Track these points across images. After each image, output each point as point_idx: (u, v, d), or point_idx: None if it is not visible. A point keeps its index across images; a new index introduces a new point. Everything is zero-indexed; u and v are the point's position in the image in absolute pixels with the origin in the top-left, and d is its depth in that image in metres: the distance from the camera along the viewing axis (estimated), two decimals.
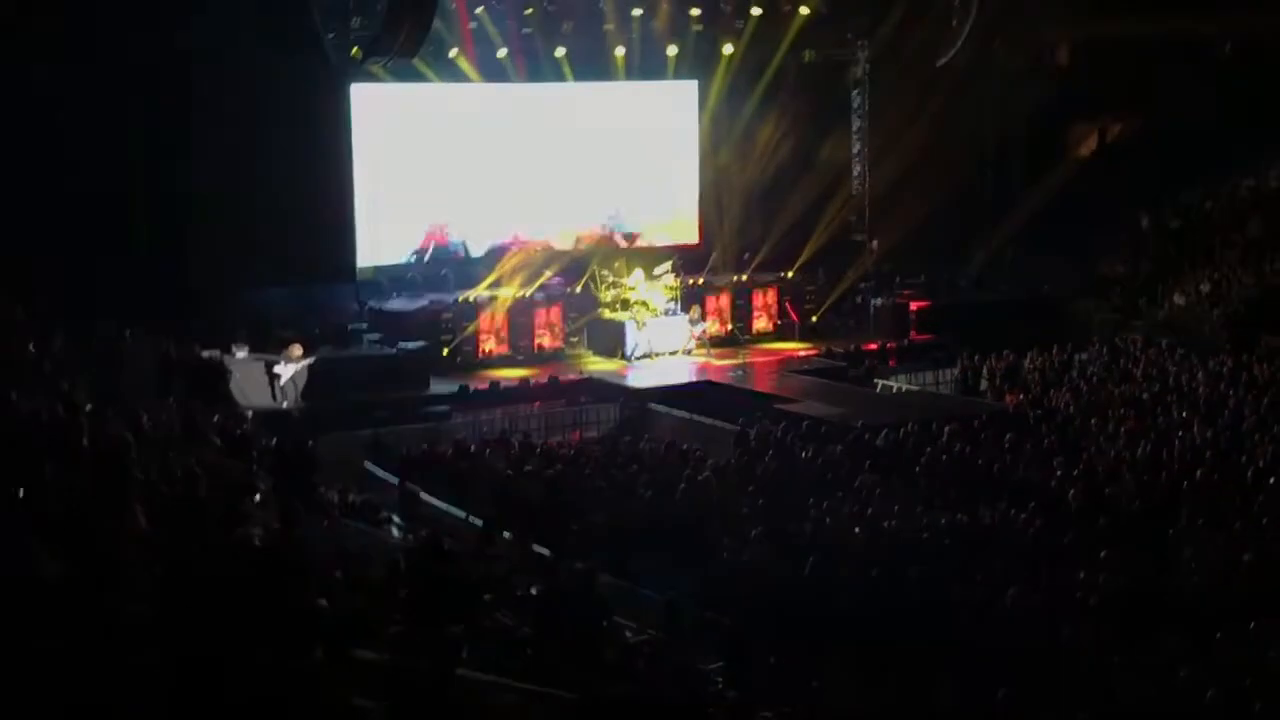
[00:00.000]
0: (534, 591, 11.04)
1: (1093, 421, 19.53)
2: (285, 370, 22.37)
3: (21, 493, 8.78)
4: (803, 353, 27.47)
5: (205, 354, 22.50)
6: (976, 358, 24.73)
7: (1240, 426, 18.77)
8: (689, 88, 30.06)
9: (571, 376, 25.19)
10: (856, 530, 14.04)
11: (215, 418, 17.34)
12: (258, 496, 12.57)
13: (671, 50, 29.32)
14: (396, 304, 26.72)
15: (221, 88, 23.69)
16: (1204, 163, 29.91)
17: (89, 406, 12.78)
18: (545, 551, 13.67)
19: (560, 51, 28.30)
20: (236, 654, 6.43)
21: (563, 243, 28.96)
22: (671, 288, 27.42)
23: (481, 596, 10.44)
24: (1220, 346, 24.77)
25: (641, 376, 25.34)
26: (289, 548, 9.34)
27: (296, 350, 22.53)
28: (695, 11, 28.90)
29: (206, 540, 9.28)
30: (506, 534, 13.87)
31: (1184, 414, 19.76)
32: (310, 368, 22.58)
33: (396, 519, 15.71)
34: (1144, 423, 19.38)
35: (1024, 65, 31.21)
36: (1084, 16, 30.59)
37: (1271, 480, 15.64)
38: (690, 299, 27.60)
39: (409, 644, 7.94)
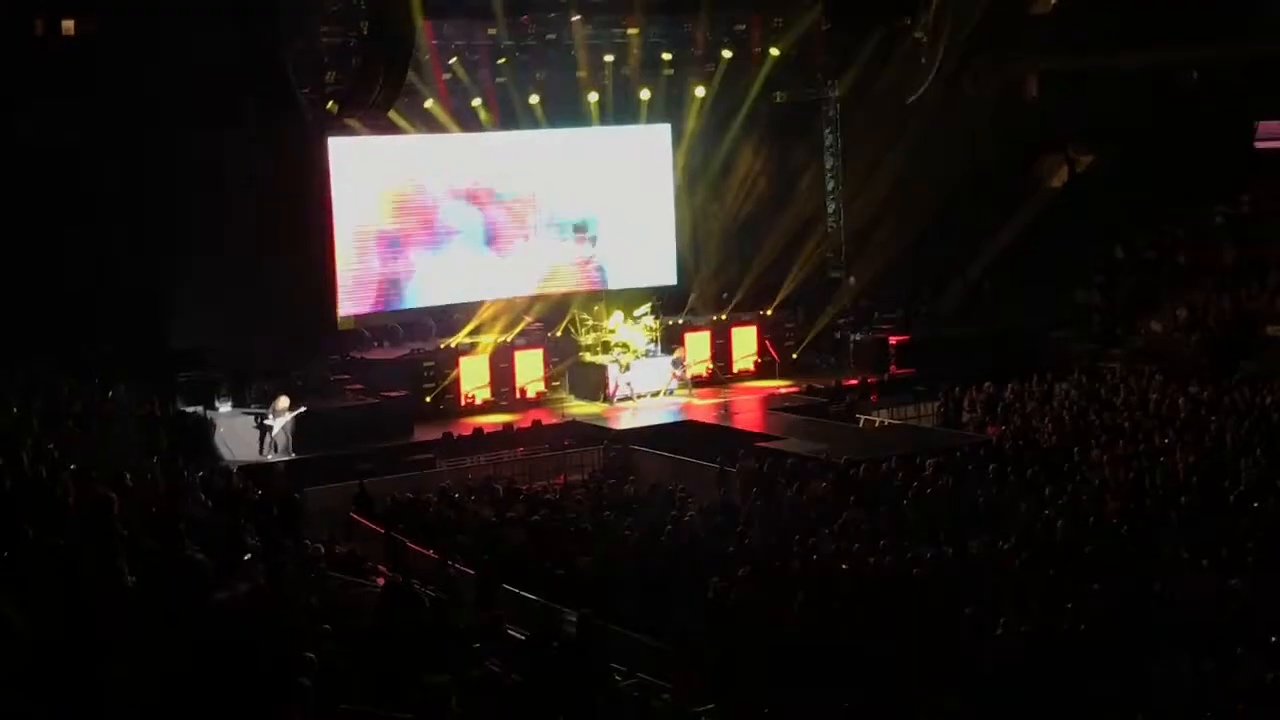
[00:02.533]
0: (522, 637, 11.03)
1: (1075, 450, 19.58)
2: (276, 422, 22.42)
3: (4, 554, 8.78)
4: (784, 390, 27.56)
5: (189, 409, 22.50)
6: (957, 390, 24.80)
7: (1222, 451, 18.86)
8: (662, 131, 30.23)
9: (554, 420, 25.25)
10: (844, 566, 14.06)
11: (200, 473, 17.34)
12: (247, 555, 12.54)
13: (644, 94, 29.50)
14: (378, 353, 26.76)
15: (201, 145, 23.79)
16: (1176, 191, 30.14)
17: (72, 466, 12.78)
18: (533, 597, 13.66)
19: (534, 99, 28.47)
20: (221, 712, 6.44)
21: (542, 288, 29.04)
22: (651, 329, 27.53)
23: (470, 645, 10.44)
24: (1199, 372, 24.87)
25: (624, 418, 25.40)
26: (276, 603, 9.34)
27: (284, 402, 22.58)
28: (667, 55, 29.12)
29: (194, 598, 9.28)
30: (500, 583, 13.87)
31: (1166, 440, 19.84)
32: (299, 419, 22.63)
33: (384, 569, 15.68)
34: (1126, 450, 19.45)
35: (994, 99, 31.44)
36: (1051, 50, 30.90)
37: (1255, 504, 15.71)
38: (670, 340, 27.69)
39: (396, 695, 7.95)
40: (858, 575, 13.63)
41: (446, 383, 25.89)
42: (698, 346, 28.25)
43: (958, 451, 19.87)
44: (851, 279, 30.81)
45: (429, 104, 27.14)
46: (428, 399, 25.56)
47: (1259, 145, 30.52)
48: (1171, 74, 30.94)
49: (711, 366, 28.27)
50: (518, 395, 26.60)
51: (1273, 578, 12.94)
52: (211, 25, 23.40)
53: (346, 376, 25.46)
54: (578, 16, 27.67)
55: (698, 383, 27.56)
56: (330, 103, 25.00)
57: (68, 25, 25.11)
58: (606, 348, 27.18)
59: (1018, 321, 29.67)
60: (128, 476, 13.61)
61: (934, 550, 14.49)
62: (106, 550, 9.66)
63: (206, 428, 22.41)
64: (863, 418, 24.66)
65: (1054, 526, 15.21)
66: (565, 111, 29.08)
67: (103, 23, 25.01)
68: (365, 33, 24.04)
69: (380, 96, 24.45)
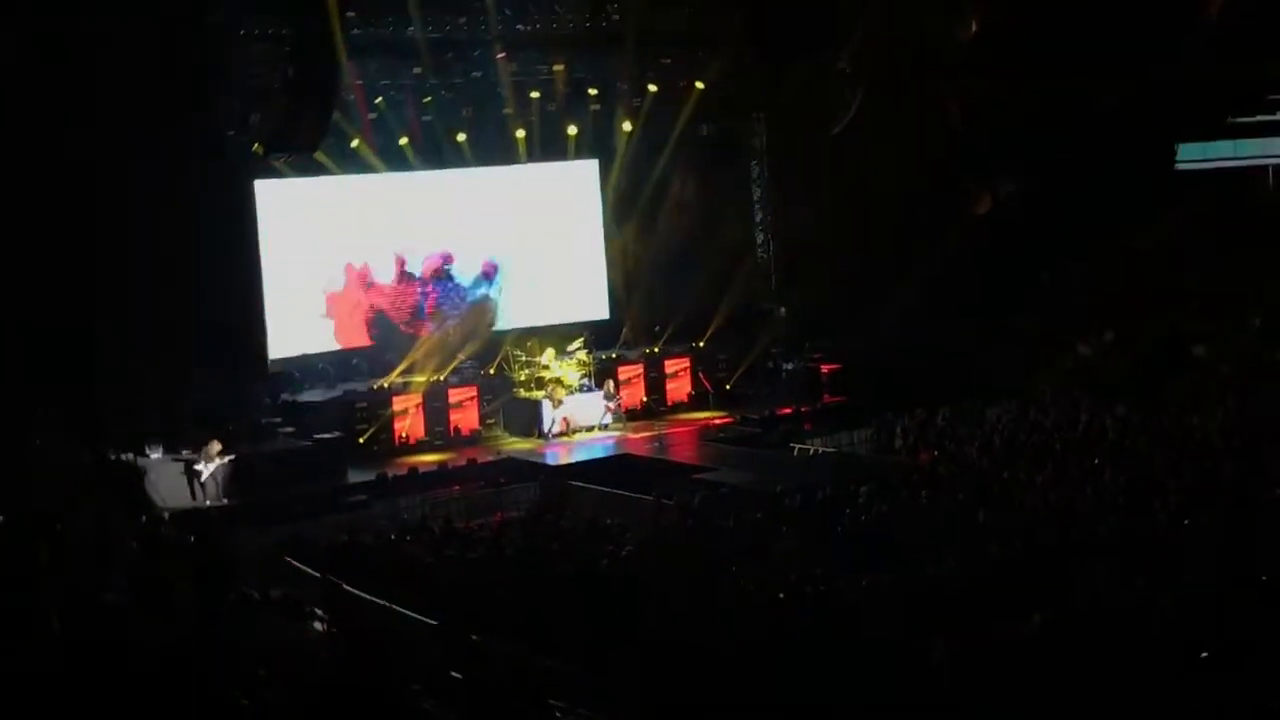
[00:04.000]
0: (461, 678, 10.99)
1: (1006, 474, 19.74)
2: (206, 468, 22.24)
3: None
4: (718, 421, 27.64)
5: (120, 456, 22.27)
6: (889, 417, 24.96)
7: (1151, 471, 19.06)
8: (590, 166, 30.33)
9: (489, 458, 25.19)
10: (781, 596, 14.09)
11: (132, 521, 17.17)
12: (178, 599, 12.43)
13: (571, 130, 29.59)
14: (310, 396, 26.62)
15: (125, 190, 23.53)
16: (1101, 214, 30.47)
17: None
18: (471, 636, 13.60)
19: (461, 136, 28.49)
20: None
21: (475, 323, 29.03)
22: (584, 363, 27.56)
23: (409, 686, 10.39)
24: (1128, 393, 25.12)
25: (559, 454, 25.39)
26: (211, 648, 9.28)
27: (215, 447, 22.41)
28: (593, 91, 29.23)
29: (125, 643, 9.19)
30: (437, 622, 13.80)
31: (1096, 461, 20.04)
32: (231, 464, 22.45)
33: (320, 612, 15.57)
34: (1056, 472, 19.61)
35: (918, 128, 31.71)
36: (973, 77, 31.19)
37: (1186, 522, 15.90)
38: (603, 374, 27.73)
39: None
40: (794, 604, 13.67)
41: (380, 423, 25.78)
42: (631, 380, 28.29)
43: (891, 478, 19.99)
44: (782, 309, 30.97)
45: (355, 144, 27.10)
46: (361, 440, 25.44)
47: (1180, 167, 30.99)
48: (1090, 99, 31.27)
49: (645, 399, 28.31)
50: (452, 434, 26.53)
51: (1202, 595, 13.08)
52: (135, 63, 23.13)
53: (278, 420, 25.30)
54: (503, 54, 27.74)
55: (631, 416, 27.60)
56: (256, 145, 24.91)
57: None
58: (540, 384, 27.18)
59: (948, 348, 29.86)
60: (58, 525, 13.49)
61: (869, 577, 14.56)
62: (35, 598, 9.58)
63: (137, 475, 22.18)
64: (796, 446, 24.78)
65: (987, 550, 15.32)
66: (493, 148, 29.13)
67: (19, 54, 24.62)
68: (290, 74, 23.98)
69: (306, 137, 24.39)
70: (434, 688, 10.77)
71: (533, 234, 29.53)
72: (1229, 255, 29.00)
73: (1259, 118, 30.73)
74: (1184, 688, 11.08)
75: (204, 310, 24.05)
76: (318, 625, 14.97)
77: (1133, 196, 30.51)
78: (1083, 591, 13.73)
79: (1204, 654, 11.47)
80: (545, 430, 26.50)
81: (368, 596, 16.02)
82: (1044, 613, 12.78)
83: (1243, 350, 27.10)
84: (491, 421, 27.36)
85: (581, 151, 30.13)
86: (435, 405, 26.53)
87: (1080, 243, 31.30)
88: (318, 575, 17.22)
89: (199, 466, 22.28)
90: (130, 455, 22.57)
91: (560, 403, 26.69)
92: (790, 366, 29.80)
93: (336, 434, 24.75)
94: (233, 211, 25.45)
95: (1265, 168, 30.81)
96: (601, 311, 30.50)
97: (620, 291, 30.78)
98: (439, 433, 26.46)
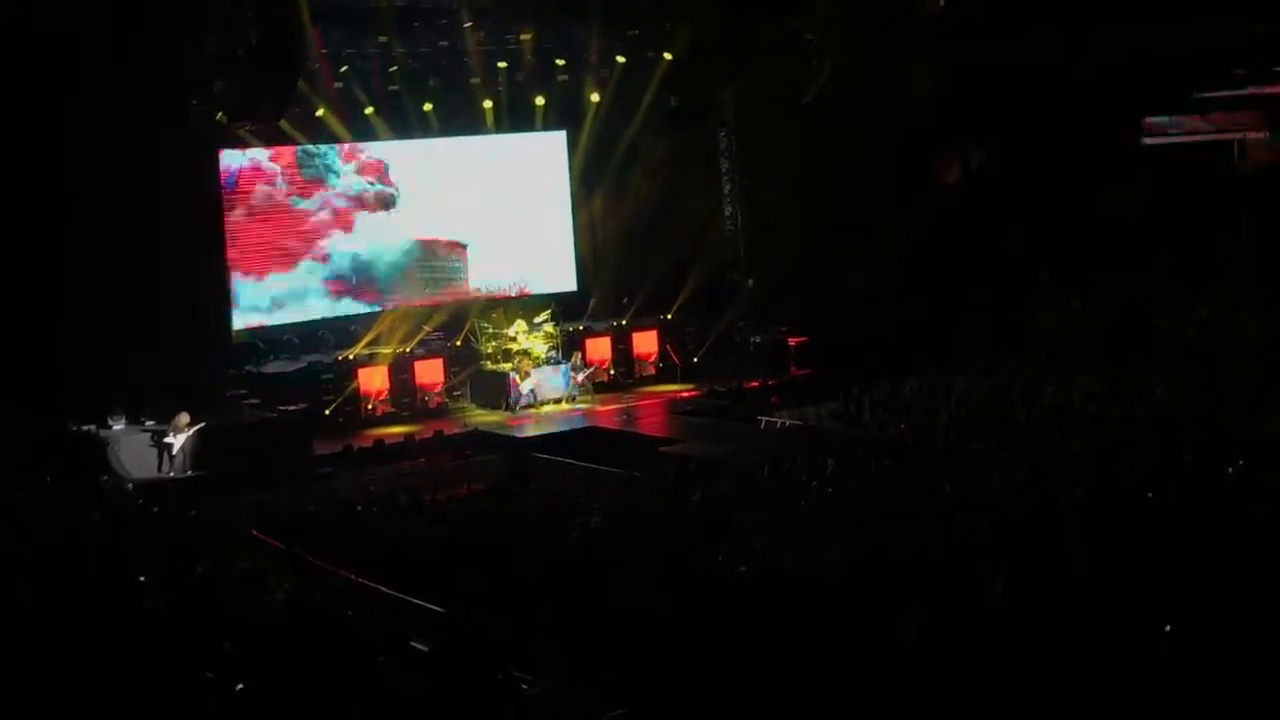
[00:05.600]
0: (427, 650, 10.95)
1: (973, 445, 19.77)
2: (176, 440, 22.12)
3: None
4: (685, 394, 27.64)
5: (82, 428, 22.12)
6: (856, 389, 24.97)
7: (1116, 440, 19.13)
8: (558, 137, 30.22)
9: (456, 430, 25.12)
10: (743, 569, 14.09)
11: (95, 493, 17.06)
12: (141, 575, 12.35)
13: (539, 100, 29.45)
14: (274, 367, 26.47)
15: (88, 160, 23.20)
16: (1067, 184, 30.50)
17: None
18: (438, 608, 13.57)
19: (428, 106, 28.32)
20: None
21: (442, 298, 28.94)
22: (552, 335, 27.50)
23: (375, 658, 10.34)
24: (1095, 361, 25.21)
25: (527, 427, 25.34)
26: (175, 622, 9.21)
27: (184, 419, 22.30)
28: (560, 61, 29.08)
29: (91, 617, 9.13)
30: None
31: (1060, 432, 20.10)
32: (199, 434, 22.33)
33: (286, 585, 15.51)
34: (1023, 442, 19.67)
35: (888, 97, 31.66)
36: (943, 45, 31.12)
37: (1150, 494, 15.96)
38: (571, 346, 27.68)
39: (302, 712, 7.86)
40: (762, 577, 13.67)
41: (346, 395, 25.67)
42: (599, 352, 28.26)
43: (857, 451, 20.01)
44: (750, 281, 30.95)
45: (320, 113, 26.90)
46: (327, 412, 25.34)
47: (1146, 141, 31.03)
48: (1058, 66, 31.25)
49: (613, 371, 28.28)
50: (419, 406, 26.45)
51: (1172, 565, 13.13)
52: (95, 33, 22.85)
53: (243, 391, 25.15)
54: (469, 23, 27.55)
55: (599, 388, 27.57)
56: (219, 113, 24.70)
57: None
58: (507, 356, 27.11)
59: (914, 318, 29.90)
60: (20, 496, 13.39)
61: (835, 550, 14.57)
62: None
63: (100, 446, 22.03)
64: (764, 419, 24.78)
65: (954, 522, 15.35)
66: (460, 119, 28.97)
67: None
68: (254, 42, 23.76)
69: (271, 106, 24.19)
70: (400, 660, 10.74)
71: (500, 205, 29.38)
72: (1194, 227, 29.07)
73: (1225, 93, 30.77)
74: (1147, 657, 11.13)
75: (167, 281, 23.78)
76: (282, 597, 14.93)
77: (1100, 167, 30.57)
78: (1053, 563, 13.79)
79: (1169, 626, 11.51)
80: (513, 402, 26.44)
81: (333, 568, 15.97)
82: (1007, 580, 12.82)
83: (1206, 319, 27.22)
84: (458, 393, 27.30)
85: (549, 122, 30.02)
86: (401, 377, 26.43)
87: (1046, 212, 31.38)
88: (283, 547, 17.16)
89: (169, 439, 22.16)
90: (93, 427, 22.40)
91: (527, 375, 26.64)
92: (758, 339, 29.80)
93: (302, 405, 24.62)
94: (196, 180, 25.16)
95: (1231, 141, 30.86)
96: (569, 283, 30.42)
97: (588, 263, 30.71)
98: (405, 405, 26.38)
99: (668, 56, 29.48)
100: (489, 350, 27.46)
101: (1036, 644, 11.60)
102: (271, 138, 26.34)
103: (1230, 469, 17.01)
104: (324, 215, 27.88)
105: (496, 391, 26.82)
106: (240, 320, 26.64)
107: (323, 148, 27.70)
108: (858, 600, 12.84)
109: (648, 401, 27.17)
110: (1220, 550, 13.30)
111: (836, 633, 11.97)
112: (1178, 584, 12.46)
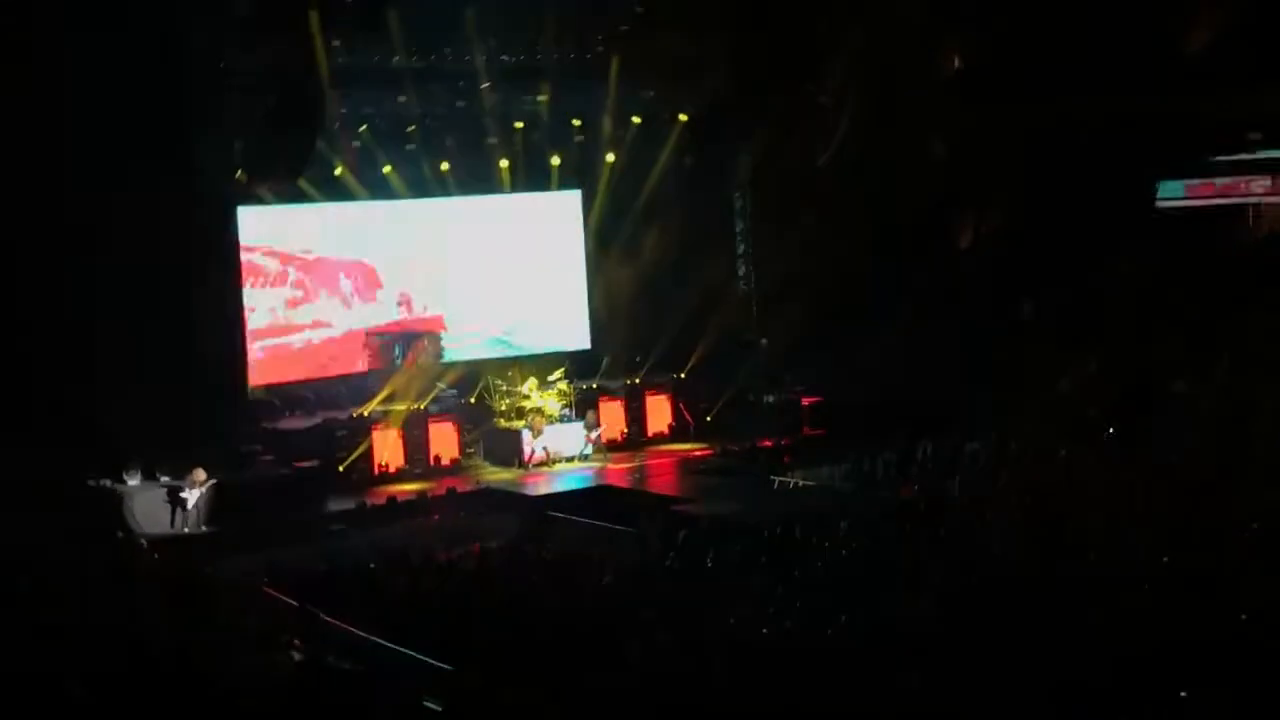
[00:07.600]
0: (438, 709, 10.95)
1: (985, 510, 19.70)
2: (191, 495, 22.19)
3: None
4: (698, 453, 27.63)
5: (98, 483, 22.18)
6: (869, 450, 24.93)
7: (1131, 508, 19.04)
8: (573, 197, 30.38)
9: (469, 488, 25.13)
10: (763, 631, 14.04)
11: (110, 548, 17.10)
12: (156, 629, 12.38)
13: (555, 160, 29.65)
14: (290, 423, 26.54)
15: (106, 217, 23.34)
16: (1081, 249, 30.53)
17: None
18: (449, 667, 13.55)
19: (444, 165, 28.52)
20: None
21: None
22: (565, 394, 27.55)
23: (386, 717, 10.36)
24: (1106, 429, 25.13)
25: (539, 484, 25.35)
26: (189, 677, 9.23)
27: (200, 474, 22.40)
28: (576, 122, 29.30)
29: (106, 671, 9.16)
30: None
31: (1074, 497, 20.01)
32: (213, 490, 22.38)
33: (297, 642, 15.50)
34: (1035, 508, 19.59)
35: (903, 160, 31.78)
36: (956, 111, 31.26)
37: (1165, 559, 15.88)
38: (584, 405, 27.72)
39: None
40: (774, 639, 13.64)
41: (359, 451, 25.72)
42: (612, 411, 28.28)
43: (871, 512, 19.96)
44: (764, 341, 31.00)
45: (338, 172, 27.12)
46: (341, 468, 25.37)
47: (1160, 205, 31.11)
48: (1069, 130, 31.37)
49: (625, 430, 28.31)
50: (432, 463, 26.48)
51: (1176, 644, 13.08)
52: (113, 86, 22.97)
53: (258, 447, 25.20)
54: (487, 84, 27.79)
55: (612, 447, 27.59)
56: (239, 171, 24.90)
57: None
58: (520, 413, 27.16)
59: (928, 382, 29.88)
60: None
61: (849, 612, 14.52)
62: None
63: (115, 501, 22.07)
64: (776, 479, 24.77)
65: (967, 587, 15.29)
66: (476, 178, 29.16)
67: None
68: (274, 102, 23.99)
69: (289, 165, 24.39)
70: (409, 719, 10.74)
71: (515, 264, 29.51)
72: (1209, 293, 29.08)
73: (1240, 156, 30.86)
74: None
75: (185, 337, 23.88)
76: (295, 655, 14.93)
77: (1113, 233, 30.60)
78: (1060, 633, 13.74)
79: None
80: (525, 460, 26.47)
81: (345, 626, 15.97)
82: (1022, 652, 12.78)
83: (1220, 386, 27.15)
84: (472, 451, 27.33)
85: (565, 182, 30.20)
86: (415, 434, 26.47)
87: (1060, 277, 31.40)
88: (295, 605, 17.16)
89: (184, 494, 22.22)
90: (108, 482, 22.46)
91: (540, 433, 26.69)
92: (771, 399, 29.80)
93: (316, 462, 24.67)
94: (214, 237, 25.32)
95: (1245, 207, 30.93)
96: (583, 342, 30.50)
97: (602, 322, 30.80)
98: (419, 462, 26.40)
99: (683, 118, 29.67)
100: (502, 408, 27.53)
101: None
102: (289, 196, 26.51)
103: (1246, 535, 16.96)
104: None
105: (509, 449, 26.85)
106: (257, 375, 26.72)
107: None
108: (867, 663, 12.81)
109: (660, 460, 27.18)
110: (1233, 616, 13.28)
111: (845, 698, 11.96)
112: (1191, 651, 12.43)
